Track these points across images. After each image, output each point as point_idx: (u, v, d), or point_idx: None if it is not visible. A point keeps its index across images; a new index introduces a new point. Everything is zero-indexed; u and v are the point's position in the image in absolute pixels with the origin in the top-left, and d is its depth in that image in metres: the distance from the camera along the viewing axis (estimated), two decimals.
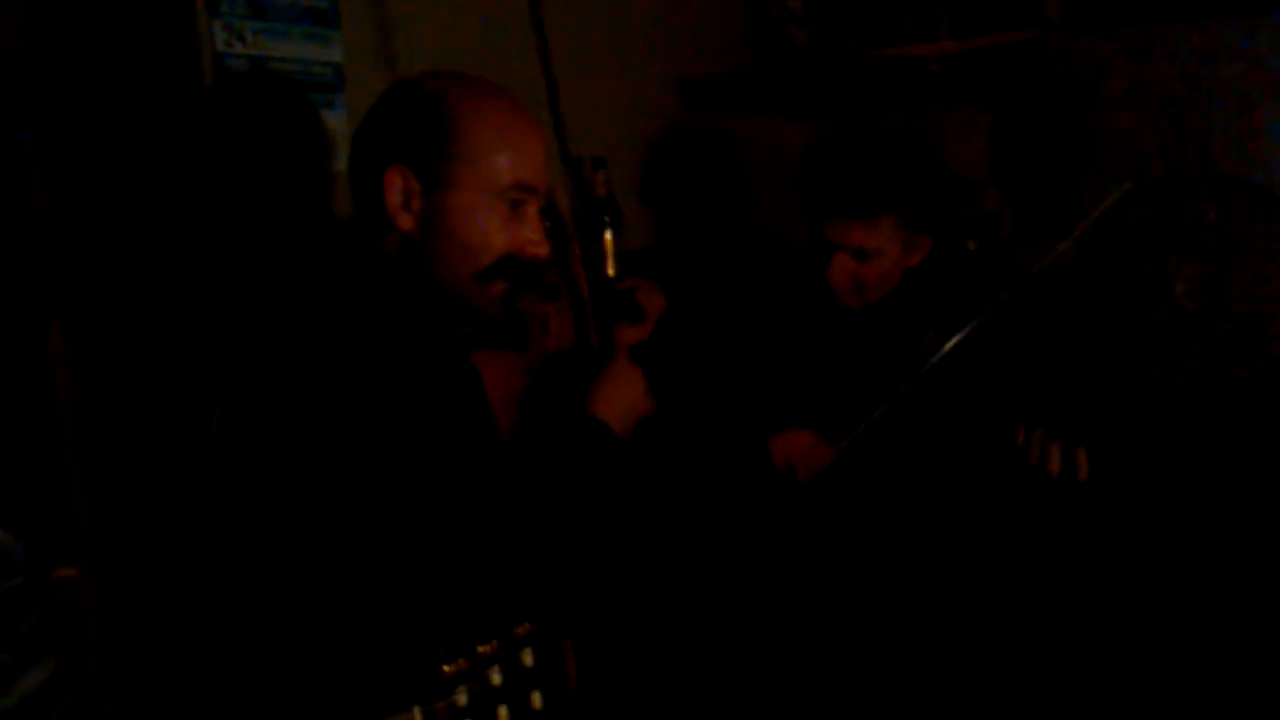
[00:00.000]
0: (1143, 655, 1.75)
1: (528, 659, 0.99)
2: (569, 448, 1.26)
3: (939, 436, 1.68)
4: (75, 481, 1.95)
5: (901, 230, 1.68)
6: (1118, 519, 1.73)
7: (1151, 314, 2.07)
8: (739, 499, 1.70)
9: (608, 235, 2.21)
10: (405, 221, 1.19)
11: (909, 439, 1.70)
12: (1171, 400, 1.94)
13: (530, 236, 1.20)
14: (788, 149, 2.45)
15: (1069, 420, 1.57)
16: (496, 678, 0.97)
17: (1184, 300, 2.08)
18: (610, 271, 2.24)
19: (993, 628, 1.67)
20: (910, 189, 1.68)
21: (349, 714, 1.10)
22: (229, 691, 1.20)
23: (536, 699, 0.99)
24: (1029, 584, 1.68)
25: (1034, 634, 1.67)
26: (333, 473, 1.11)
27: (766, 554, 1.71)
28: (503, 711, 0.98)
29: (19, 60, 1.74)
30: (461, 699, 0.97)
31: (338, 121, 1.84)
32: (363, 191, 1.24)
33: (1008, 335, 1.71)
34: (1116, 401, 1.72)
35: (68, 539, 1.92)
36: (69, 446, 1.93)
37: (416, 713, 0.96)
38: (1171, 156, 2.32)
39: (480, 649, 0.96)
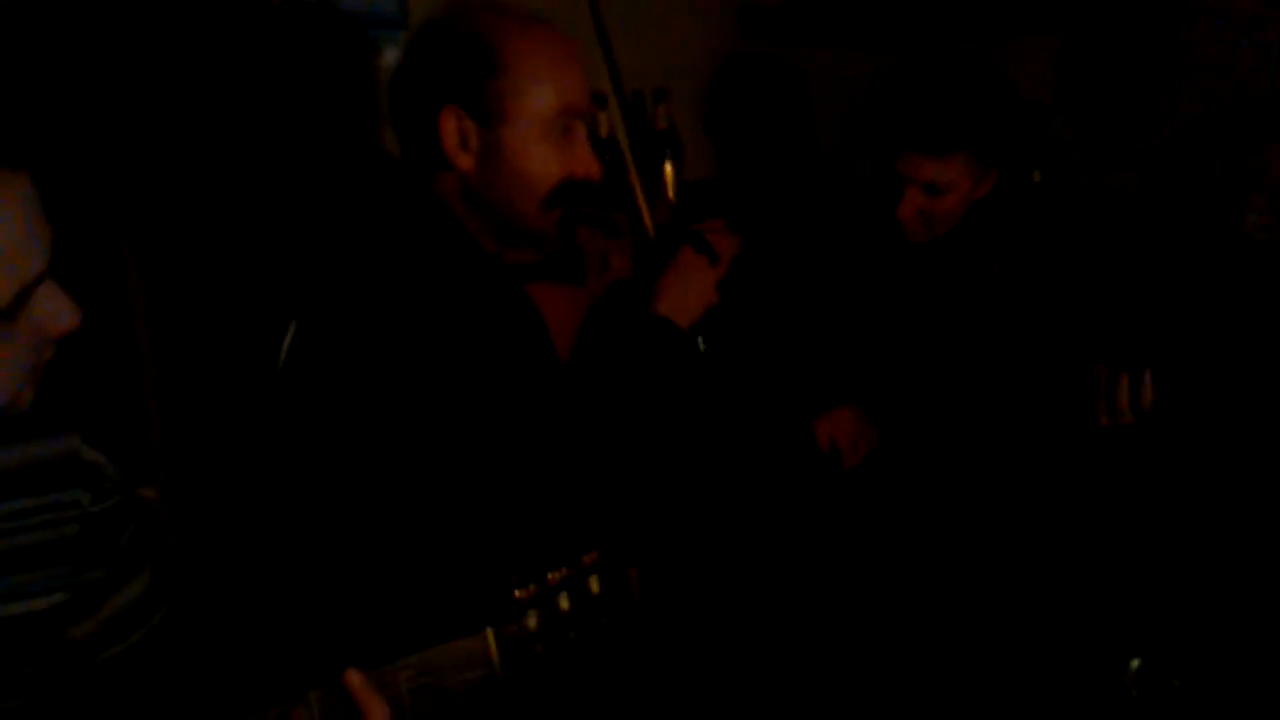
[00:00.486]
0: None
1: (594, 586, 1.02)
2: (634, 350, 1.27)
3: (993, 389, 1.68)
4: (153, 409, 2.03)
5: (973, 164, 1.67)
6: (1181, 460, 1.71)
7: (1222, 246, 2.03)
8: (783, 477, 1.71)
9: (669, 167, 2.22)
10: (464, 161, 1.22)
11: (961, 398, 1.69)
12: (1241, 333, 1.90)
13: (583, 158, 1.24)
14: (851, 80, 2.41)
15: (1137, 346, 1.56)
16: (564, 603, 1.01)
17: (1256, 233, 2.03)
18: (670, 200, 2.25)
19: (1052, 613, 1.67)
20: (984, 124, 1.66)
21: (422, 633, 1.15)
22: (302, 607, 1.25)
23: (603, 624, 1.03)
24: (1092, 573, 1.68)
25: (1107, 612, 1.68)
26: (400, 402, 1.15)
27: (811, 534, 1.73)
28: (570, 636, 1.02)
29: (100, 12, 1.78)
30: (531, 623, 1.01)
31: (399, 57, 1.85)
32: (412, 134, 1.25)
33: (1072, 271, 1.70)
34: (1187, 329, 1.69)
35: (148, 461, 2.01)
36: (146, 377, 2.01)
37: (489, 634, 1.00)
38: (1249, 79, 2.25)
39: (550, 575, 1.00)
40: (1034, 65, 2.30)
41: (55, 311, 0.89)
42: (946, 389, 1.71)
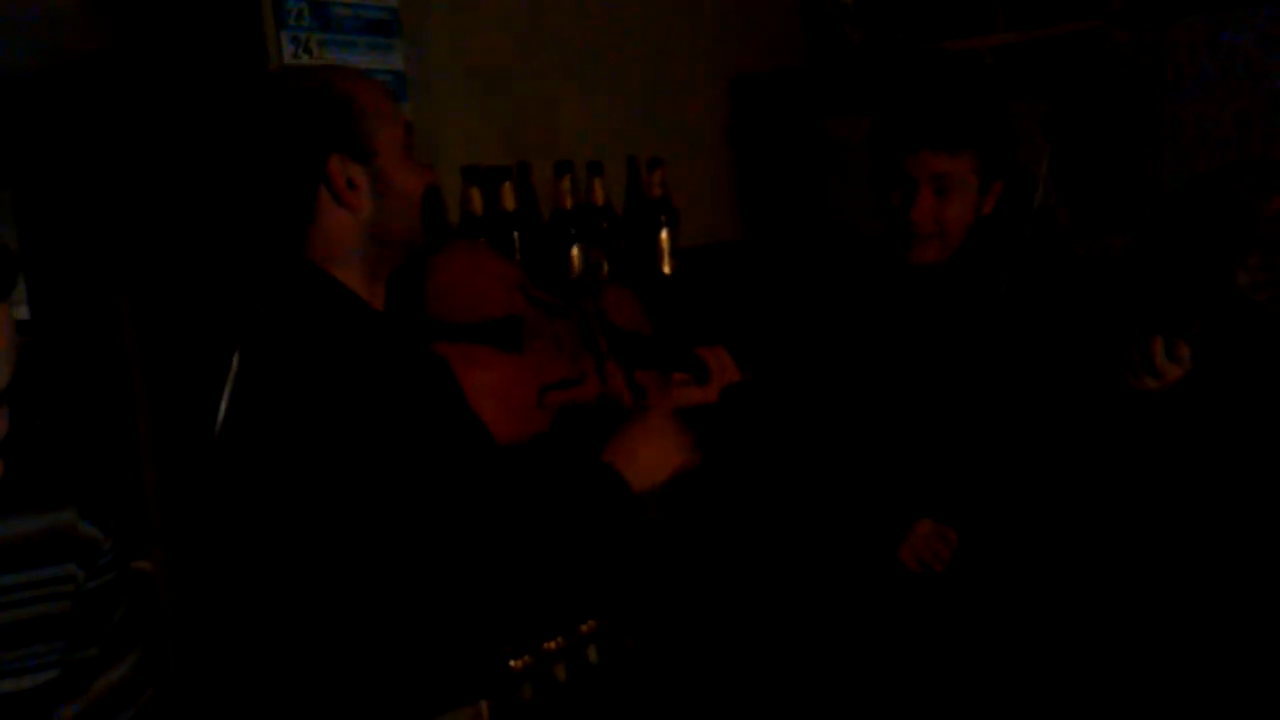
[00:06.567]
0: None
1: (592, 656, 1.01)
2: (578, 496, 1.25)
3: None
4: (149, 481, 2.02)
5: (979, 166, 1.74)
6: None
7: (1215, 307, 2.04)
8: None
9: (663, 234, 2.24)
10: (355, 200, 1.28)
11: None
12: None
13: (424, 169, 1.35)
14: (842, 144, 2.45)
15: (1171, 314, 1.58)
16: (562, 673, 1.00)
17: (1249, 291, 2.04)
18: (666, 270, 2.27)
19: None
20: (990, 125, 1.75)
21: (417, 707, 1.13)
22: (294, 684, 1.23)
23: (600, 694, 1.02)
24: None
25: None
26: (334, 474, 1.13)
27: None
28: (567, 706, 1.01)
29: (102, 68, 1.81)
30: (527, 693, 1.00)
31: None
32: (283, 198, 1.28)
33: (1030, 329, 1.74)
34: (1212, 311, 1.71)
35: (144, 534, 1.99)
36: (143, 447, 2.01)
37: (484, 706, 0.99)
38: (1235, 145, 2.29)
39: (546, 646, 0.99)
40: (1023, 130, 2.33)
41: None
42: (974, 409, 1.73)
